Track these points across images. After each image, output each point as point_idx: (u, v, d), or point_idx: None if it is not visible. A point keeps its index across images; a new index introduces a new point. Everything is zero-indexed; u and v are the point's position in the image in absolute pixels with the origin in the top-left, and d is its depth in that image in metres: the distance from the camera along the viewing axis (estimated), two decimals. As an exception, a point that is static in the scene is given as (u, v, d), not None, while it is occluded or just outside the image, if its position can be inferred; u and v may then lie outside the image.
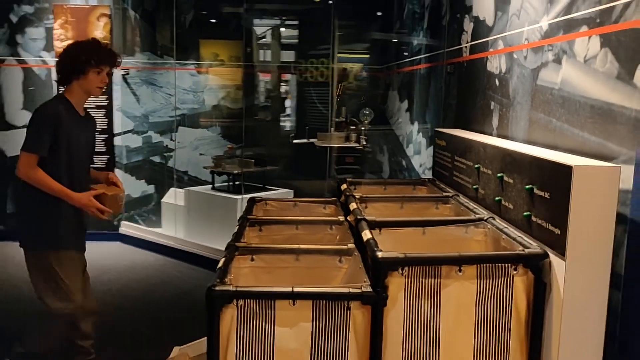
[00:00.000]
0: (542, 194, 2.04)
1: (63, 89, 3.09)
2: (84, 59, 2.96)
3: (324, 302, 1.95)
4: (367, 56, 7.90)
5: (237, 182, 5.90)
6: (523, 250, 2.01)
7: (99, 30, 5.96)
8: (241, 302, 1.94)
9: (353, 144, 5.70)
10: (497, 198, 2.46)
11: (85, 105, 3.14)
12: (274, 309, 1.95)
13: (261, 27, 9.34)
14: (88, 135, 3.16)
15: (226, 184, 6.03)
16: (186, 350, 3.37)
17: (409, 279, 1.98)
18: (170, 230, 6.21)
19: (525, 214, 2.16)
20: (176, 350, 3.54)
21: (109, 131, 6.16)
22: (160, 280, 5.19)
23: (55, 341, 3.17)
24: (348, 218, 2.78)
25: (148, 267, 5.58)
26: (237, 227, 2.71)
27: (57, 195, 2.94)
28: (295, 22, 9.16)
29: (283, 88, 10.45)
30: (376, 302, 1.95)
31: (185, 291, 4.91)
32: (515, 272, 1.99)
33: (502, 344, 2.04)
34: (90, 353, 3.25)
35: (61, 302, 3.05)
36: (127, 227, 6.35)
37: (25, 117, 6.10)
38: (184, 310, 4.47)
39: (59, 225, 3.01)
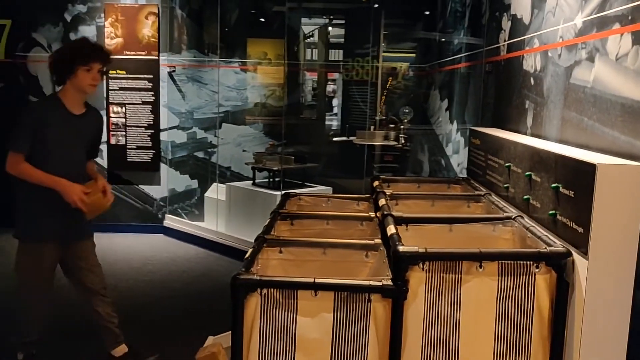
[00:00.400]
0: (567, 192, 2.02)
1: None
2: (70, 58, 3.06)
3: (345, 293, 1.99)
4: (412, 55, 7.89)
5: (277, 179, 5.99)
6: (545, 248, 2.00)
7: (147, 28, 6.16)
8: (265, 291, 2.00)
9: (392, 143, 5.70)
10: (525, 197, 2.45)
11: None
12: (296, 299, 2.01)
13: (307, 26, 9.43)
14: (82, 133, 3.22)
15: (266, 180, 6.13)
16: (220, 340, 3.45)
17: (430, 274, 2.00)
18: (212, 224, 6.35)
19: (550, 212, 2.14)
20: (210, 339, 3.64)
21: (155, 127, 6.36)
22: (201, 273, 5.32)
23: (40, 326, 3.30)
24: (377, 214, 2.81)
25: (189, 259, 5.73)
26: (269, 220, 2.77)
27: (46, 185, 3.02)
28: (342, 21, 9.21)
29: (329, 87, 10.49)
30: (396, 295, 1.98)
31: (224, 284, 4.99)
32: (537, 270, 1.98)
33: (524, 343, 2.03)
34: (117, 335, 3.39)
35: (32, 295, 3.23)
36: (170, 220, 6.54)
37: (76, 112, 6.35)
38: (221, 302, 4.56)
39: (42, 220, 3.13)
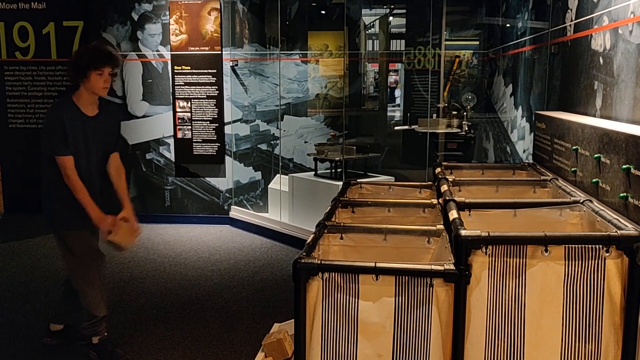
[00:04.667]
0: (639, 173, 1.94)
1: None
2: (84, 64, 3.23)
3: (406, 278, 1.98)
4: (475, 42, 7.73)
5: (338, 169, 6.00)
6: (615, 232, 1.92)
7: (210, 24, 6.29)
8: (326, 275, 2.02)
9: (455, 130, 5.60)
10: (594, 180, 2.36)
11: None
12: (358, 283, 2.01)
13: (368, 17, 9.39)
14: (97, 133, 3.39)
15: (328, 170, 6.16)
16: (285, 327, 3.52)
17: (493, 258, 1.96)
18: (275, 215, 6.44)
19: (621, 195, 2.06)
20: (276, 326, 3.71)
21: (219, 120, 6.49)
22: (266, 262, 5.41)
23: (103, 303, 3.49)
24: (440, 201, 2.78)
25: (255, 249, 5.83)
26: (329, 207, 2.79)
27: (83, 203, 3.24)
28: (403, 10, 9.12)
29: (391, 77, 10.38)
30: (459, 280, 1.96)
31: (288, 272, 5.09)
32: (607, 254, 1.91)
33: (594, 329, 1.96)
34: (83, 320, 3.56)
35: (86, 285, 3.41)
36: (236, 212, 6.67)
37: (144, 107, 6.58)
38: (286, 290, 4.65)
39: (69, 208, 3.30)
